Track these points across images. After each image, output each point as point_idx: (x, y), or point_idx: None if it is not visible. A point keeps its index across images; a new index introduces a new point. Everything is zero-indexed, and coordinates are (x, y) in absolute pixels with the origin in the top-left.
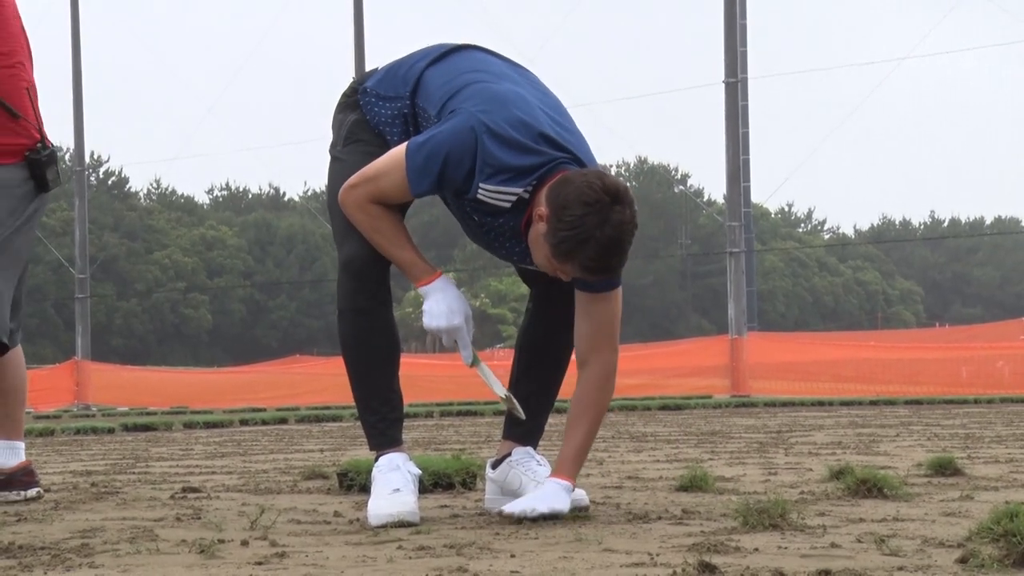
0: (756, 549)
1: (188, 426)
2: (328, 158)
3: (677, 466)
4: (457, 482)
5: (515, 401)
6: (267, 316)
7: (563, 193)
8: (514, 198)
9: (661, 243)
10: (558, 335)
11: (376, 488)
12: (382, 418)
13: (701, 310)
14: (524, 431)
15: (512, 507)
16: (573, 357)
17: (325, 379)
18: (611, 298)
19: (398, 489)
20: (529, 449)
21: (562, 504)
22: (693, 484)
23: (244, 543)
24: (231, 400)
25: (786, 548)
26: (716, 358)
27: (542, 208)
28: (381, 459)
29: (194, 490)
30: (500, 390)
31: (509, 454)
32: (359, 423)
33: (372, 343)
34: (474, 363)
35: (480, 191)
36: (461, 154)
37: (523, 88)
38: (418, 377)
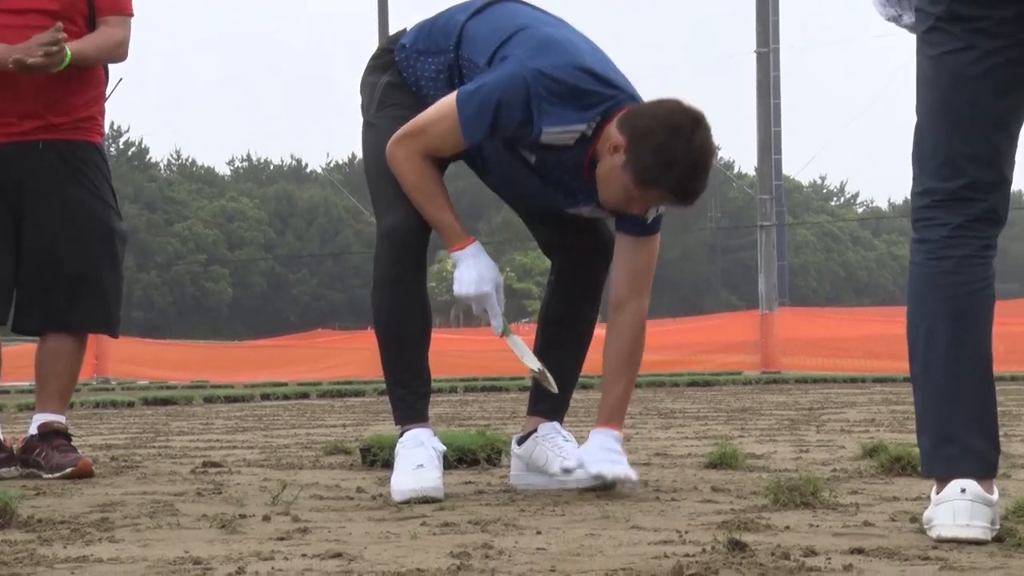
0: (787, 527)
1: (208, 400)
2: (360, 124)
3: (706, 443)
4: (482, 458)
5: (548, 374)
6: (288, 289)
7: (643, 121)
8: (577, 134)
9: (690, 216)
10: (581, 308)
11: (400, 463)
12: (411, 392)
13: (731, 285)
14: (550, 406)
15: (598, 467)
16: (597, 330)
17: (347, 353)
18: (653, 242)
19: (422, 465)
20: (555, 424)
21: (625, 469)
22: (722, 461)
23: (266, 518)
24: (252, 374)
25: (818, 526)
26: (746, 334)
27: (616, 140)
28: (406, 435)
29: (215, 465)
30: (532, 362)
31: (535, 430)
32: (384, 397)
33: (407, 315)
34: (504, 333)
35: (544, 134)
36: (513, 100)
37: (571, 33)
38: (442, 352)
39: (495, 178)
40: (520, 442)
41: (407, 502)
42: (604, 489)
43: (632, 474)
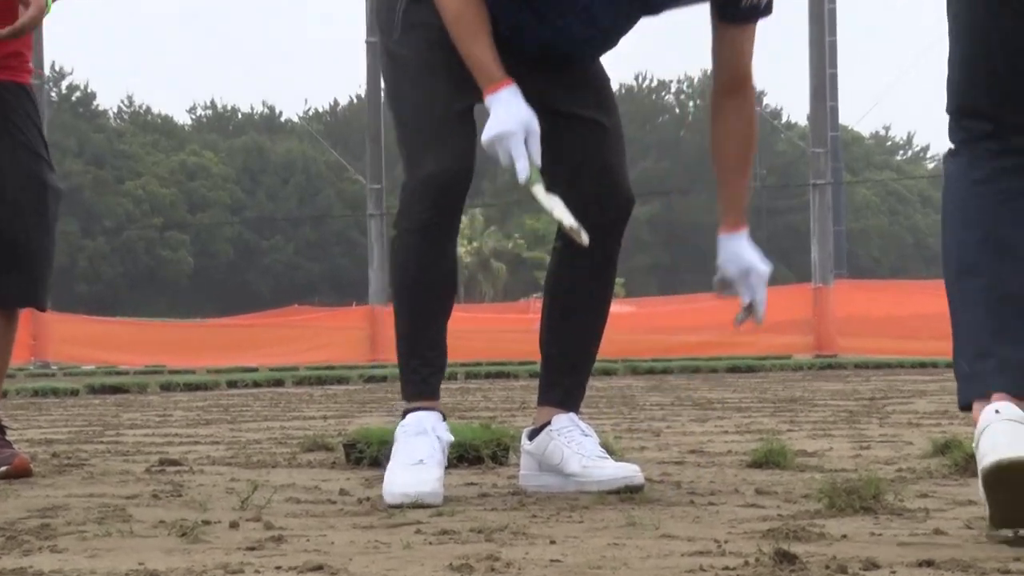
0: (844, 536)
1: (166, 388)
2: (380, 54)
3: (749, 438)
4: (486, 456)
5: (583, 232)
6: (259, 259)
7: None
8: None
9: None
10: (599, 274)
11: (397, 454)
12: (426, 363)
13: (779, 253)
14: (564, 395)
15: None
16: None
17: (328, 334)
18: (754, 33)
19: (422, 461)
20: (572, 416)
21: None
22: (769, 460)
23: (233, 525)
24: (217, 358)
25: (880, 535)
26: (797, 311)
27: None
28: (409, 417)
29: (173, 463)
30: (565, 215)
31: (548, 422)
32: (371, 385)
33: (438, 273)
34: (531, 182)
35: None
36: None
37: None
38: None
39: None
40: (531, 437)
41: (398, 506)
42: (630, 492)
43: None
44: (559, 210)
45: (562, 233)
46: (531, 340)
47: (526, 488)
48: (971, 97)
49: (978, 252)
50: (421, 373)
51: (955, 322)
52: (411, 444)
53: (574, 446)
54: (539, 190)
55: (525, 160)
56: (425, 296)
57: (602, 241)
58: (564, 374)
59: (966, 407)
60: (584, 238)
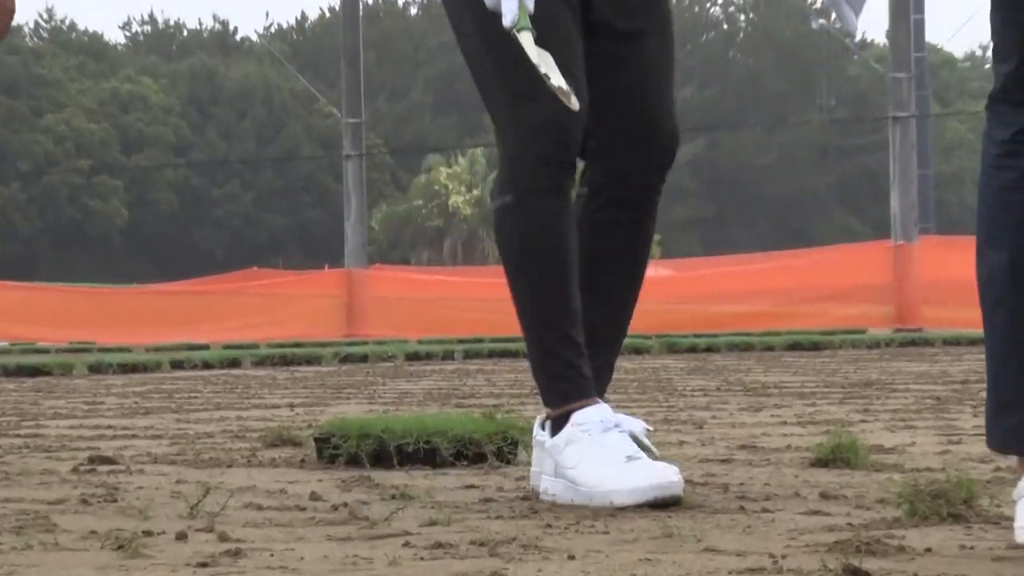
0: (928, 550)
1: (96, 370)
2: None
3: (813, 431)
4: (490, 452)
5: (573, 96)
6: (210, 211)
7: None
8: None
9: (791, 104)
10: (635, 230)
11: (593, 455)
12: (579, 354)
13: (849, 203)
14: (595, 360)
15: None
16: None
17: (296, 303)
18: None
19: (631, 456)
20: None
21: None
22: (837, 457)
23: (181, 536)
24: (158, 333)
25: (972, 548)
26: (872, 274)
27: None
28: (581, 413)
29: (107, 461)
30: (554, 74)
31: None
32: (348, 367)
33: (568, 244)
34: (519, 27)
35: None
36: None
37: None
38: (432, 301)
39: None
40: (549, 427)
41: (646, 504)
42: (667, 504)
43: None
44: (549, 68)
45: (588, 178)
46: None
47: (539, 491)
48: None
49: (1004, 278)
50: (578, 367)
51: (987, 351)
52: (611, 442)
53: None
54: (527, 39)
55: (515, 1)
56: (562, 274)
57: (640, 189)
58: (592, 350)
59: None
60: (574, 103)
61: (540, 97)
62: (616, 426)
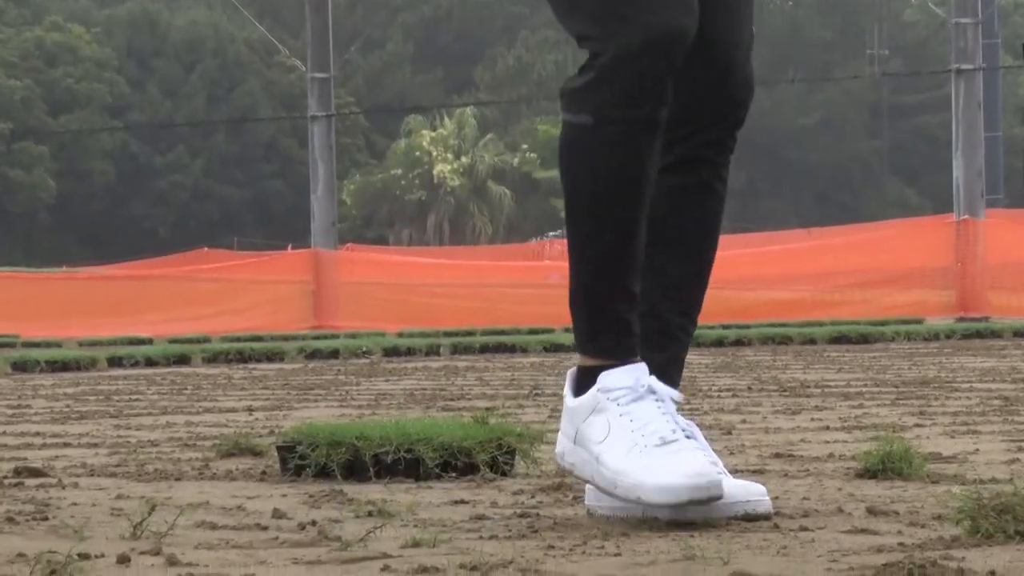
0: (992, 573)
1: (20, 367)
2: None
3: (860, 437)
4: (482, 463)
5: None
6: (152, 182)
7: None
8: None
9: (838, 54)
10: (707, 192)
11: (619, 432)
12: (632, 307)
13: (905, 171)
14: (656, 373)
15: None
16: None
17: (255, 290)
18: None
19: (666, 440)
20: (671, 393)
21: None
22: (887, 467)
23: (123, 560)
24: (93, 325)
25: None
26: (931, 255)
27: None
28: (610, 376)
29: (35, 473)
30: None
31: None
32: (317, 363)
33: (647, 188)
34: None
35: None
36: None
37: None
38: (413, 288)
39: None
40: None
41: (677, 505)
42: (705, 503)
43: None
44: None
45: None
46: (547, 298)
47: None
48: None
49: None
50: (627, 320)
51: None
52: (644, 414)
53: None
54: None
55: None
56: (635, 210)
57: (706, 146)
58: (655, 344)
59: None
60: None
61: (638, 12)
62: (651, 392)
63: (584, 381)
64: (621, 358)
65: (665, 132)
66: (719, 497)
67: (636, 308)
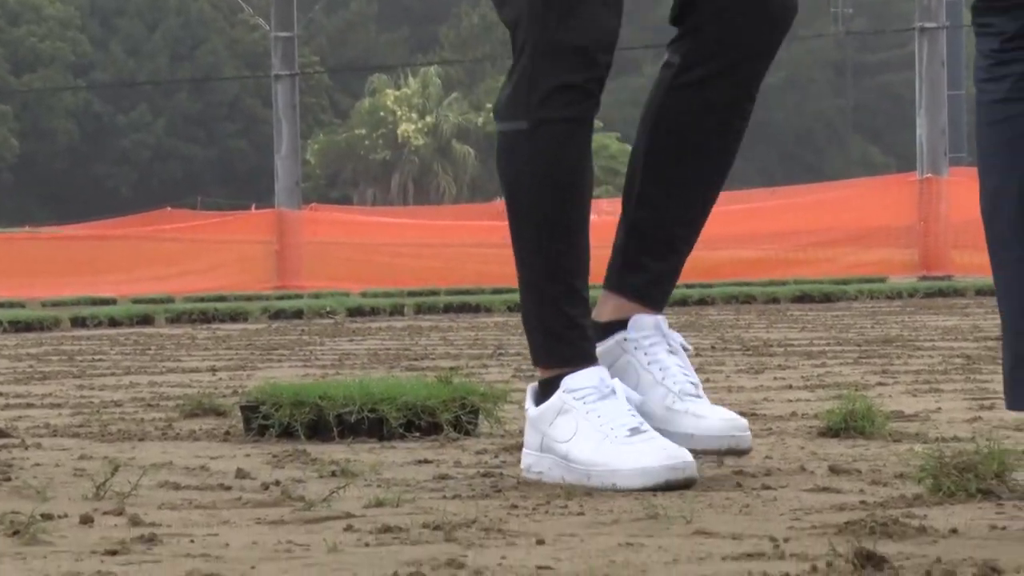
0: (954, 531)
1: None
2: None
3: (823, 396)
4: (446, 422)
5: None
6: (115, 141)
7: None
8: None
9: (802, 13)
10: (733, 111)
11: (587, 428)
12: (585, 312)
13: (869, 130)
14: (650, 284)
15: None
16: None
17: (218, 250)
18: None
19: (636, 430)
20: (659, 320)
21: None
22: (849, 425)
23: (86, 520)
24: (55, 285)
25: (1004, 529)
26: (894, 213)
27: None
28: (573, 378)
29: None
30: None
31: (622, 323)
32: (280, 323)
33: (586, 187)
34: None
35: None
36: None
37: None
38: (377, 248)
39: None
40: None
41: (656, 488)
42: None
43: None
44: None
45: (679, 44)
46: (510, 259)
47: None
48: None
49: (1012, 200)
50: (581, 326)
51: (997, 296)
52: (610, 410)
53: (656, 371)
54: None
55: None
56: (575, 215)
57: (740, 70)
58: (655, 252)
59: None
60: None
61: (572, 9)
62: (614, 392)
63: (546, 391)
64: (581, 364)
65: (704, 49)
66: (695, 480)
67: (589, 312)
